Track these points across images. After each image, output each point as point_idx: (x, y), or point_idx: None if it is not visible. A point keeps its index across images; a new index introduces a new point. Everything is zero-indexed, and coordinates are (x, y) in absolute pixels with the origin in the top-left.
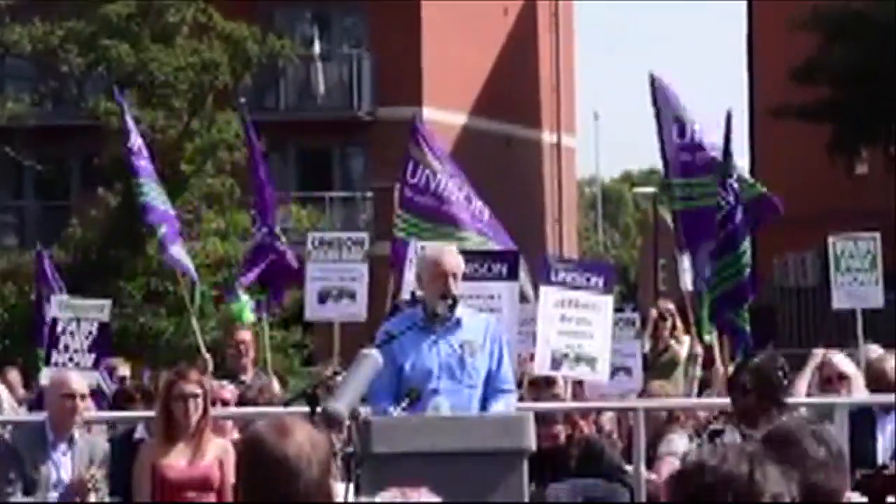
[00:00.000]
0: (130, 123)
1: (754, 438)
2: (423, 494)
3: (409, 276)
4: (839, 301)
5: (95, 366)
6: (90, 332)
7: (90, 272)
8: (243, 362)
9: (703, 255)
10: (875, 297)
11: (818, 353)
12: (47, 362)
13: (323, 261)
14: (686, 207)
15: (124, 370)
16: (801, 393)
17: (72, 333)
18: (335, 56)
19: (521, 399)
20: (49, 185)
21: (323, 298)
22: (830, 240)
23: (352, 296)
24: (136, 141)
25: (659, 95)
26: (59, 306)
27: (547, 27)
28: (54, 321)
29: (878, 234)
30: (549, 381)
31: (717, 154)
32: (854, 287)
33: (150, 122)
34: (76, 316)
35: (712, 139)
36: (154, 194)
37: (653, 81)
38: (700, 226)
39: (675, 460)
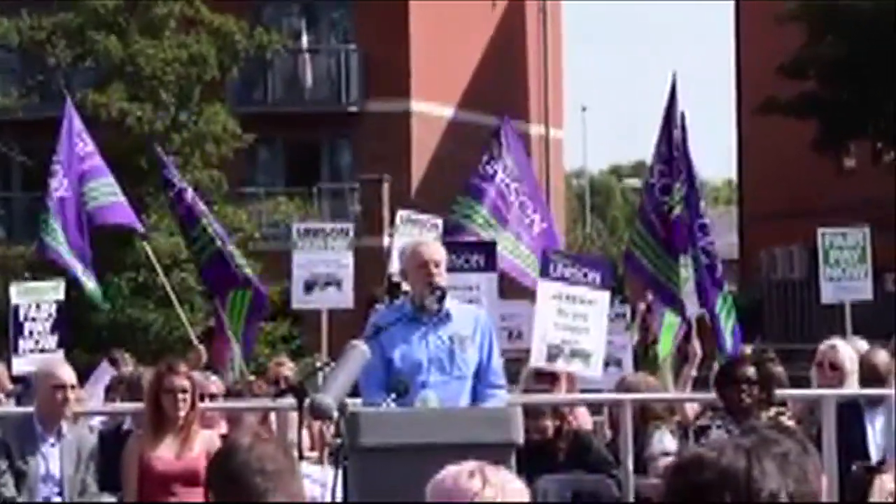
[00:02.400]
0: (79, 124)
1: (743, 432)
2: None
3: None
4: (827, 295)
5: (59, 346)
6: (50, 315)
7: None
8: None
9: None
10: (864, 291)
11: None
12: (15, 350)
13: (308, 250)
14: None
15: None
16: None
17: (34, 318)
18: (323, 49)
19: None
20: (36, 177)
21: (309, 287)
22: (820, 232)
23: (338, 284)
24: (87, 142)
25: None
26: (18, 293)
27: (535, 19)
28: (16, 308)
29: (867, 228)
30: (553, 377)
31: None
32: (843, 280)
33: (137, 114)
34: (36, 300)
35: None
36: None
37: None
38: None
39: (671, 459)
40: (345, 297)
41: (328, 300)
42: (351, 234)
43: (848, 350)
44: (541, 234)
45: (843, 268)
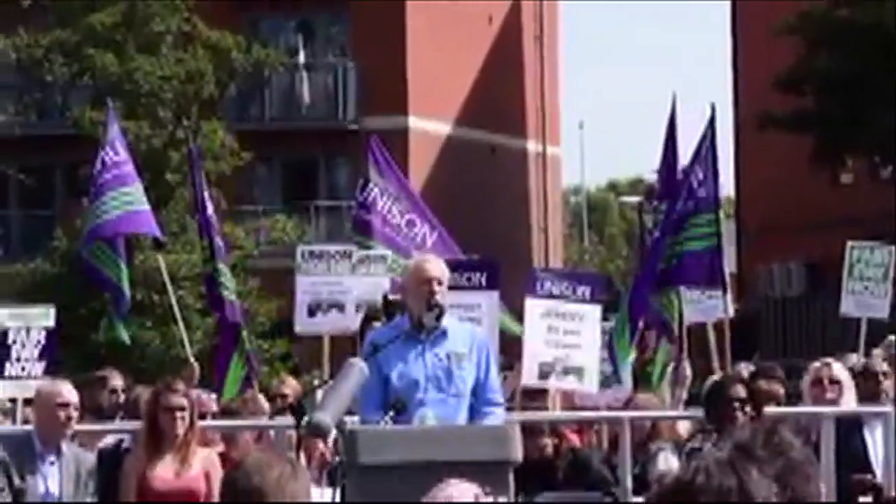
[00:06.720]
0: (115, 132)
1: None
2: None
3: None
4: (847, 308)
5: (46, 373)
6: (39, 341)
7: (75, 283)
8: None
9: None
10: (882, 309)
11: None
12: (0, 374)
13: (312, 273)
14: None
15: (117, 381)
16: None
17: (23, 343)
18: (320, 65)
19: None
20: (33, 195)
21: (312, 311)
22: (849, 245)
23: (341, 308)
24: (118, 152)
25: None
26: (9, 316)
27: (532, 35)
28: (5, 333)
29: (893, 247)
30: (543, 393)
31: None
32: (865, 296)
33: (134, 131)
34: (26, 325)
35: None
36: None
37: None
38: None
39: None
40: (349, 322)
41: (332, 324)
42: (354, 257)
43: (840, 367)
44: (434, 245)
45: (866, 284)
